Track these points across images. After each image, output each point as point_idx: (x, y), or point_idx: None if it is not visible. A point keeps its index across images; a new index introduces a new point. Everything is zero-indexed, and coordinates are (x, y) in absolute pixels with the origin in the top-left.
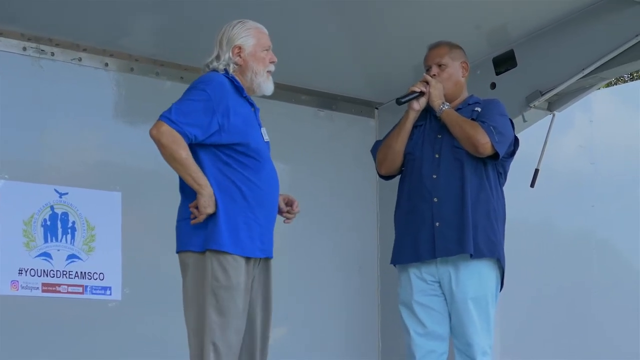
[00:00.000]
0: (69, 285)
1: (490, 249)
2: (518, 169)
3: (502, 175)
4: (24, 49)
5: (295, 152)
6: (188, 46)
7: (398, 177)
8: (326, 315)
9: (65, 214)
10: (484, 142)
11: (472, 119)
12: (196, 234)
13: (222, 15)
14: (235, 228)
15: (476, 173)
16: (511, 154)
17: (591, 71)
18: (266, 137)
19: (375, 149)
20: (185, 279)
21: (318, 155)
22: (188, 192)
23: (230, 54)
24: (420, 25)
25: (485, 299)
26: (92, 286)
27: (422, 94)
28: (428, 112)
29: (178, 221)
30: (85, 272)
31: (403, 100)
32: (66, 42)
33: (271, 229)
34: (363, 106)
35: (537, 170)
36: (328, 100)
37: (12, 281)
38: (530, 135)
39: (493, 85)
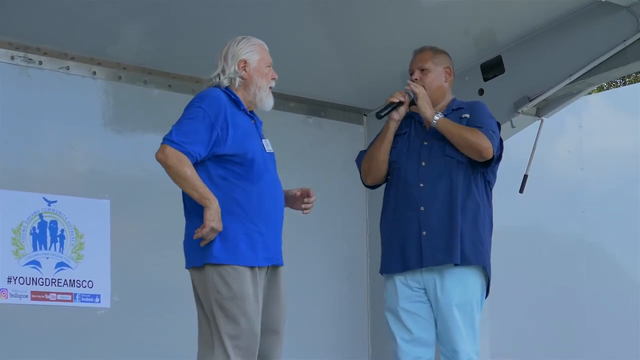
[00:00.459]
0: (58, 293)
1: (476, 256)
2: (508, 175)
3: (490, 183)
4: (12, 57)
5: (284, 159)
6: (176, 54)
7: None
8: (316, 321)
9: (54, 222)
10: (487, 147)
11: None
12: (196, 251)
13: (210, 24)
14: (234, 239)
15: (464, 181)
16: (499, 158)
17: (579, 77)
18: (269, 148)
19: (359, 159)
20: (195, 293)
21: (307, 162)
22: (192, 213)
23: (236, 68)
24: (408, 32)
25: (471, 305)
26: (81, 294)
27: (400, 103)
28: (411, 118)
29: (184, 240)
30: (74, 280)
31: (383, 114)
32: (54, 50)
33: (276, 237)
34: (352, 113)
35: (525, 176)
36: (317, 107)
37: (0, 289)
38: (521, 141)
39: (481, 92)
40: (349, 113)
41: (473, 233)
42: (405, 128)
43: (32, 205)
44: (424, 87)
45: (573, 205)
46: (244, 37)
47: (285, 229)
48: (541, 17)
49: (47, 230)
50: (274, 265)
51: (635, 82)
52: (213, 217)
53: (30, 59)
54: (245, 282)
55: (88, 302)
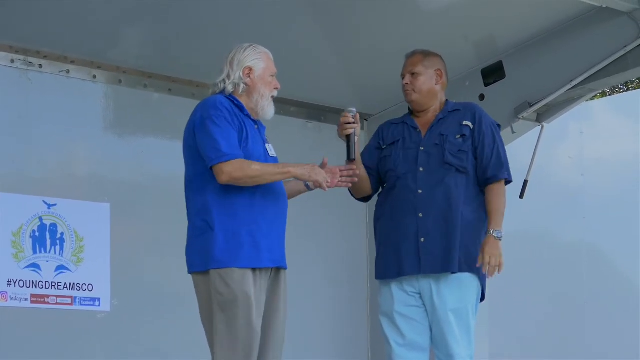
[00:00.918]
0: (57, 297)
1: (471, 266)
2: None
3: (481, 185)
4: (12, 61)
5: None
6: (176, 58)
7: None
8: (316, 324)
9: (54, 225)
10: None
11: (463, 135)
12: (197, 255)
13: (210, 28)
14: (237, 241)
15: (462, 189)
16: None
17: (580, 82)
18: (272, 153)
19: None
20: (197, 297)
21: None
22: (194, 217)
23: (241, 74)
24: (409, 37)
25: (466, 310)
26: (81, 297)
27: (352, 131)
28: (404, 124)
29: (186, 245)
30: (74, 283)
31: (352, 156)
32: (54, 54)
33: (280, 240)
34: None
35: (526, 182)
36: (317, 112)
37: (0, 292)
38: (521, 146)
39: (482, 97)
40: None
41: (469, 242)
42: (398, 135)
43: (32, 208)
44: (414, 90)
45: (574, 210)
46: (251, 45)
47: (286, 232)
48: (542, 23)
49: (47, 234)
50: (277, 268)
51: (638, 88)
52: (310, 173)
53: (30, 63)
54: (247, 284)
55: (88, 305)
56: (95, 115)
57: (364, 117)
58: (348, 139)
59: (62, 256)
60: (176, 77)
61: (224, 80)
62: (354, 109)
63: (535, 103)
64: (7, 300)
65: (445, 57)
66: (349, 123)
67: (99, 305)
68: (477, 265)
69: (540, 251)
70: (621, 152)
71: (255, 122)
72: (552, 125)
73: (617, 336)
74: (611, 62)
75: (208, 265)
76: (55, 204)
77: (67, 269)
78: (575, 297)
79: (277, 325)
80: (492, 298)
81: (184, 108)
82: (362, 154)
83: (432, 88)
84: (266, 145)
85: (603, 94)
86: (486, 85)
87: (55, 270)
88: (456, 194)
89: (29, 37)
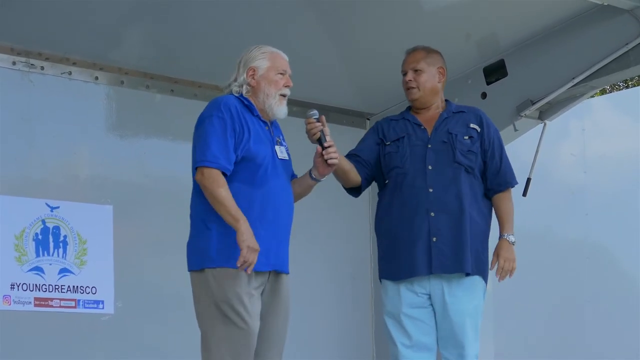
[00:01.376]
0: (61, 300)
1: (480, 268)
2: None
3: (490, 191)
4: (14, 63)
5: None
6: (178, 59)
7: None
8: (320, 325)
9: (56, 228)
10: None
11: (471, 137)
12: (194, 254)
13: (212, 29)
14: (231, 242)
15: (471, 188)
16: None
17: (581, 80)
18: (282, 155)
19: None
20: (193, 296)
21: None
22: (196, 219)
23: (245, 76)
24: (411, 36)
25: (476, 311)
26: (84, 300)
27: (320, 133)
28: (406, 121)
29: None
30: (77, 286)
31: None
32: (56, 56)
33: (279, 243)
34: (354, 117)
35: (529, 179)
36: (319, 112)
37: (4, 296)
38: (524, 144)
39: (484, 95)
40: (351, 117)
41: (478, 245)
42: (402, 132)
43: (34, 211)
44: (417, 87)
45: (576, 208)
46: (257, 46)
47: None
48: (544, 21)
49: (50, 236)
50: (277, 273)
51: (638, 85)
52: (245, 237)
53: (32, 65)
54: (240, 284)
55: (91, 308)
56: (98, 117)
57: (366, 117)
58: (319, 141)
59: (65, 259)
60: (178, 78)
61: (231, 82)
62: (316, 112)
63: (538, 101)
64: (10, 304)
65: (447, 55)
66: (316, 128)
67: (103, 308)
68: (491, 269)
69: (542, 248)
70: (623, 149)
71: (267, 123)
72: (554, 123)
73: (618, 334)
74: (613, 60)
75: (203, 265)
76: (58, 207)
77: (70, 271)
78: (577, 294)
79: (275, 330)
80: (495, 297)
81: (186, 109)
82: (361, 149)
83: (434, 86)
84: (276, 147)
85: (603, 91)
86: (488, 83)
87: (59, 273)
88: (466, 193)
89: (31, 39)
